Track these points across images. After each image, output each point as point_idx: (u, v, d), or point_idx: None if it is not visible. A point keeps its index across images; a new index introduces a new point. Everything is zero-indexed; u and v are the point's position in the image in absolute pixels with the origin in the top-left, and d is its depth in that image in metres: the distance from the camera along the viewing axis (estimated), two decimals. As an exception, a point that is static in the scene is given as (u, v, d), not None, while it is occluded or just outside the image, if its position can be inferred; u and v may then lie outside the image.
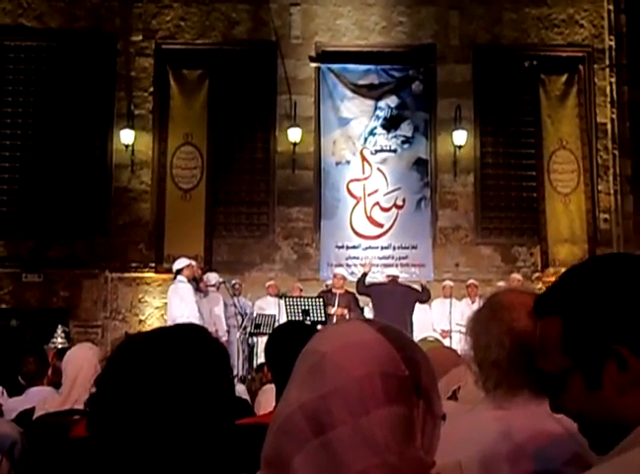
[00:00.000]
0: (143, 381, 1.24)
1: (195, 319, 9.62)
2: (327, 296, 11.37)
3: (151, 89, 14.14)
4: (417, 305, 12.22)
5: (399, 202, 13.99)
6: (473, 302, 11.96)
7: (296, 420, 1.11)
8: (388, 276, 11.91)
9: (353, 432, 1.08)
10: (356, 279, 13.37)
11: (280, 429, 1.13)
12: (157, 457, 1.22)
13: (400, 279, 12.20)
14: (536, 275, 13.86)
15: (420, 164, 14.14)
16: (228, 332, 11.53)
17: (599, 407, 1.26)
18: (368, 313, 11.71)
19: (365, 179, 14.05)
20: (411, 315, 11.14)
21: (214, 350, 1.34)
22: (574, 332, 1.29)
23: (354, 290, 11.94)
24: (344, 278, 11.92)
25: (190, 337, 1.34)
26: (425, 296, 11.66)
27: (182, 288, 10.61)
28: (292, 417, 1.12)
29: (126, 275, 13.70)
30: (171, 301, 10.80)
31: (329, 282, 12.42)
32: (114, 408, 1.24)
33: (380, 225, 13.94)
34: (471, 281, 12.68)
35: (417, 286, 11.89)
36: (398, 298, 11.01)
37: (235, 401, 1.36)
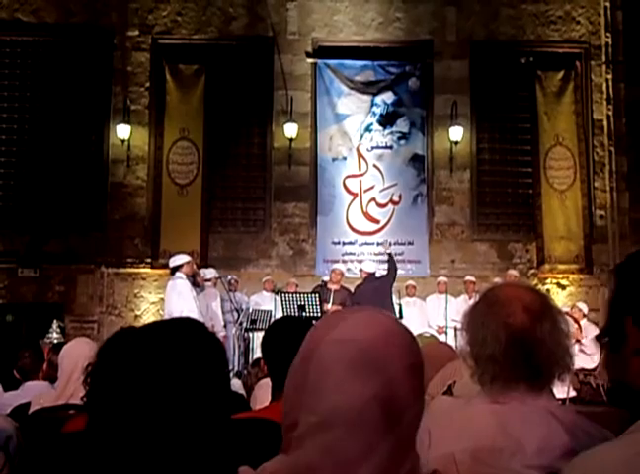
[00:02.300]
0: (138, 375, 1.24)
1: (194, 316, 9.55)
2: (322, 292, 11.32)
3: (147, 84, 14.13)
4: (412, 300, 12.25)
5: (395, 199, 13.99)
6: (471, 298, 11.97)
7: (372, 411, 1.14)
8: (365, 272, 11.68)
9: (415, 416, 1.18)
10: (352, 276, 13.42)
11: (353, 423, 1.13)
12: (152, 450, 1.22)
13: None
14: (532, 271, 13.88)
15: (416, 160, 14.14)
16: (225, 327, 11.53)
17: (617, 370, 1.42)
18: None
19: (362, 175, 14.05)
20: (392, 303, 11.01)
21: (210, 343, 1.34)
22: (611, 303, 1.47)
23: (349, 286, 11.92)
24: (342, 274, 11.89)
25: (185, 330, 1.34)
26: (393, 272, 11.44)
27: (181, 285, 10.53)
28: (366, 409, 1.13)
29: (122, 270, 13.69)
30: (170, 298, 10.65)
31: (325, 278, 12.40)
32: (108, 402, 1.24)
33: (376, 221, 13.95)
34: (469, 278, 12.69)
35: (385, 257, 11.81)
36: (374, 296, 10.83)
37: (231, 395, 1.36)
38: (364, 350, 1.16)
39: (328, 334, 1.21)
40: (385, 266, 11.98)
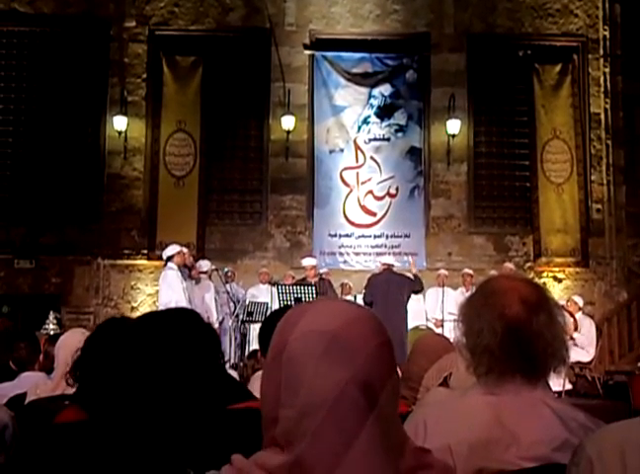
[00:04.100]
0: (132, 363, 1.24)
1: (183, 306, 9.57)
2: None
3: (144, 75, 14.09)
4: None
5: (392, 191, 13.98)
6: (468, 291, 11.96)
7: (351, 394, 1.16)
8: (383, 264, 11.68)
9: (393, 393, 1.19)
10: (348, 268, 13.44)
11: (332, 410, 1.15)
12: (145, 435, 1.22)
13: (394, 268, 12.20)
14: (529, 264, 13.89)
15: (413, 153, 14.13)
16: (223, 319, 11.55)
17: None
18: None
19: (359, 167, 14.04)
20: (406, 304, 11.05)
21: (204, 332, 1.34)
22: None
23: (329, 278, 12.02)
24: (314, 267, 11.90)
25: (180, 320, 1.34)
26: (418, 286, 11.46)
27: (170, 276, 10.58)
28: (345, 393, 1.15)
29: (119, 261, 13.69)
30: (161, 289, 10.80)
31: (322, 270, 12.43)
32: (101, 389, 1.24)
33: (373, 214, 13.94)
34: (466, 270, 12.67)
35: (409, 275, 11.73)
36: (393, 287, 10.93)
37: (228, 382, 1.36)
38: (334, 338, 1.18)
39: (293, 329, 1.21)
40: (385, 259, 11.97)
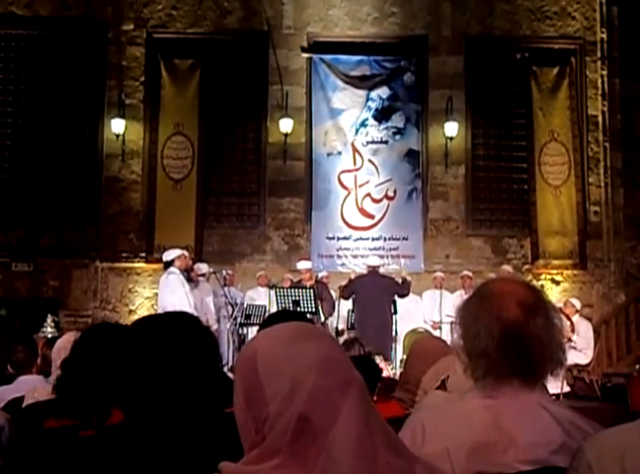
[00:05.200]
0: (128, 366, 1.24)
1: (186, 310, 9.52)
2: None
3: (142, 78, 14.08)
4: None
5: (390, 194, 13.98)
6: (467, 293, 11.92)
7: (337, 355, 1.31)
8: (368, 266, 11.61)
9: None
10: (346, 270, 13.42)
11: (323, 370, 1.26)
12: (139, 436, 1.22)
13: (389, 270, 12.17)
14: (526, 266, 13.89)
15: (411, 155, 14.13)
16: (218, 321, 11.54)
17: None
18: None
19: (357, 170, 14.04)
20: (390, 307, 10.94)
21: (202, 335, 1.34)
22: None
23: (327, 281, 12.02)
24: (309, 270, 11.90)
25: (178, 323, 1.34)
26: (405, 290, 11.29)
27: (173, 279, 10.52)
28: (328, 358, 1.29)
29: (117, 264, 13.67)
30: (162, 292, 10.69)
31: (321, 274, 12.43)
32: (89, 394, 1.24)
33: (371, 216, 13.94)
34: (465, 273, 12.66)
35: (398, 278, 11.60)
36: (378, 290, 10.84)
37: (225, 385, 1.36)
38: (296, 329, 1.32)
39: (257, 342, 1.34)
40: (371, 261, 11.92)
